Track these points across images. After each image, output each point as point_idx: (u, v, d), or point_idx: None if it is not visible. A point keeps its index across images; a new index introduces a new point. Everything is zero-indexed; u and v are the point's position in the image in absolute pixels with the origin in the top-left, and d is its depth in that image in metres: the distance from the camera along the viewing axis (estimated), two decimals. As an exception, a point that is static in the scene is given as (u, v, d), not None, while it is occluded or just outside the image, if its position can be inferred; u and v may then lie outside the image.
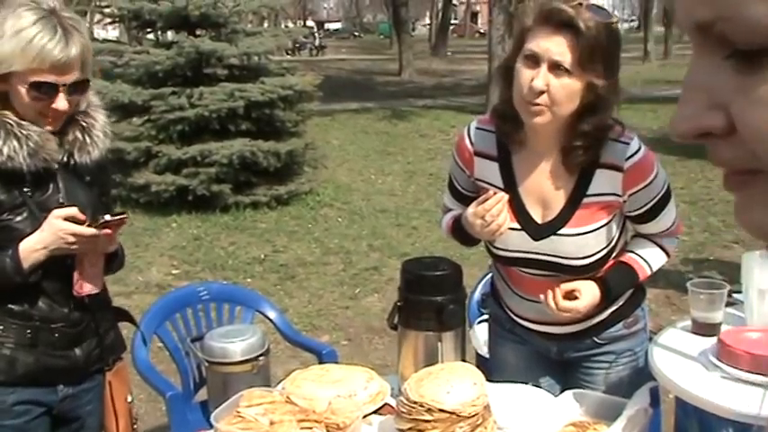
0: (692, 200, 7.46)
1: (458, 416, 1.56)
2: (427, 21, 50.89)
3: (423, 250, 6.01)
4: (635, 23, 54.35)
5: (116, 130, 7.18)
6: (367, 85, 20.78)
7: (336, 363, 2.41)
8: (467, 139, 1.95)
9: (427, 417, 1.56)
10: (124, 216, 1.83)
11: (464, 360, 1.94)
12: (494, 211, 1.79)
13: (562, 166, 1.83)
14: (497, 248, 1.92)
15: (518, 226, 1.86)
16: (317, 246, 6.45)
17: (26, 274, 1.75)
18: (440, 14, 33.21)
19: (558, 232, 1.84)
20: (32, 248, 1.74)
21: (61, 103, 1.74)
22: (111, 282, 2.05)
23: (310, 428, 1.65)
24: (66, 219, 1.74)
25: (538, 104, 1.73)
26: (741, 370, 1.80)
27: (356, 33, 59.50)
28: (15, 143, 1.71)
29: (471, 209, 1.84)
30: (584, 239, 1.83)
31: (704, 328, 2.04)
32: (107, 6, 8.93)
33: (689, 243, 5.97)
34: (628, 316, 1.98)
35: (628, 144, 1.80)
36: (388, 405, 1.80)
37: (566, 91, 1.72)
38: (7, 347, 1.79)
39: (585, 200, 1.82)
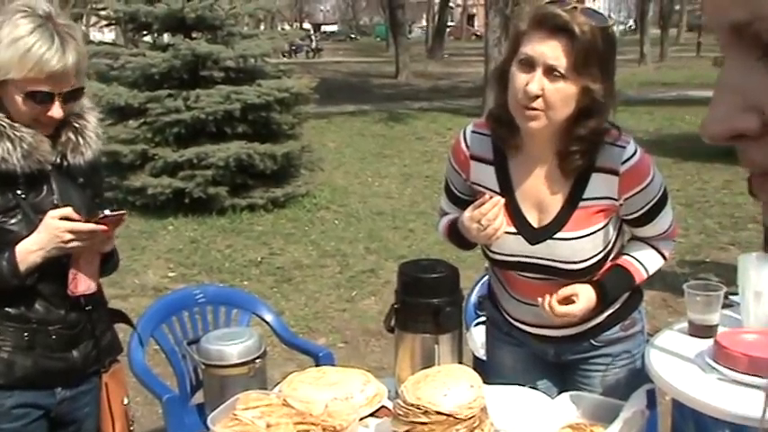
0: (688, 202, 7.47)
1: (455, 418, 1.56)
2: (424, 23, 50.92)
3: (419, 253, 6.01)
4: (631, 26, 54.42)
5: (112, 133, 7.28)
6: (363, 88, 20.80)
7: (333, 365, 2.41)
8: (462, 142, 1.95)
9: (424, 419, 1.56)
10: (123, 212, 1.83)
11: (461, 362, 1.94)
12: (490, 215, 1.78)
13: (558, 169, 1.83)
14: (494, 252, 1.91)
15: (514, 230, 1.86)
16: (313, 248, 6.45)
17: (23, 276, 1.74)
18: (436, 17, 33.24)
19: (555, 236, 1.84)
20: (29, 250, 1.74)
21: (56, 111, 1.74)
22: (107, 284, 2.05)
23: (307, 431, 1.65)
24: (62, 219, 1.74)
25: (533, 109, 1.73)
26: (738, 372, 1.79)
27: (353, 36, 59.57)
28: (9, 145, 1.71)
29: (467, 213, 1.84)
30: (581, 243, 1.83)
31: (701, 330, 2.05)
32: (103, 9, 8.93)
33: (685, 245, 5.98)
34: (625, 318, 1.98)
35: (624, 148, 1.79)
36: (385, 407, 1.80)
37: (561, 95, 1.72)
38: (5, 351, 1.79)
39: (582, 204, 1.82)
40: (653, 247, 1.95)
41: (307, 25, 59.16)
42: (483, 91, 13.45)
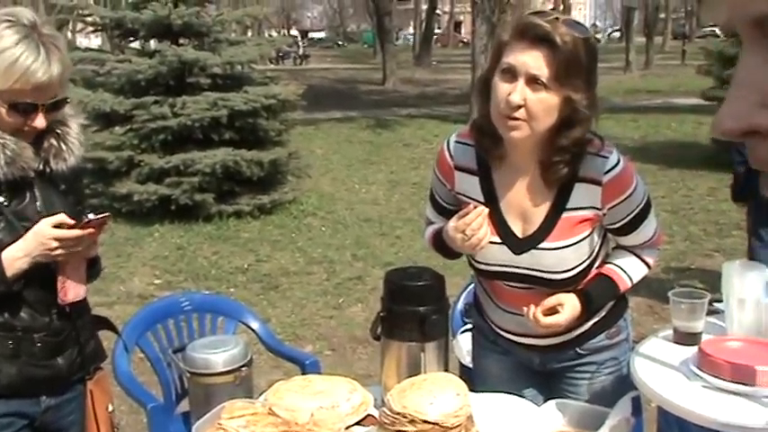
0: (673, 209, 7.52)
1: (441, 426, 1.56)
2: (411, 30, 51.03)
3: (406, 259, 6.01)
4: (617, 34, 54.72)
5: (98, 140, 7.25)
6: (351, 95, 20.82)
7: (320, 373, 2.41)
8: (447, 153, 1.95)
9: (410, 428, 1.56)
10: (107, 215, 1.82)
11: (447, 370, 1.94)
12: (474, 225, 1.78)
13: (541, 180, 1.83)
14: (478, 262, 1.92)
15: (499, 240, 1.87)
16: (300, 255, 6.45)
17: (10, 282, 1.74)
18: (423, 24, 33.28)
19: (539, 246, 1.84)
20: (15, 257, 1.73)
21: (39, 121, 1.74)
22: (92, 292, 2.04)
23: (293, 440, 1.65)
24: (55, 226, 1.74)
25: (515, 119, 1.73)
26: (722, 379, 1.81)
27: (340, 43, 59.55)
28: None
29: (452, 223, 1.84)
30: (565, 253, 1.84)
31: (685, 338, 2.06)
32: (89, 15, 8.88)
33: (670, 252, 6.01)
34: (610, 327, 1.99)
35: (606, 158, 1.80)
36: (371, 416, 1.80)
37: (543, 105, 1.72)
38: (-11, 359, 1.78)
39: (565, 214, 1.83)
40: (637, 255, 1.96)
41: (294, 32, 59.14)
42: (470, 98, 13.50)
